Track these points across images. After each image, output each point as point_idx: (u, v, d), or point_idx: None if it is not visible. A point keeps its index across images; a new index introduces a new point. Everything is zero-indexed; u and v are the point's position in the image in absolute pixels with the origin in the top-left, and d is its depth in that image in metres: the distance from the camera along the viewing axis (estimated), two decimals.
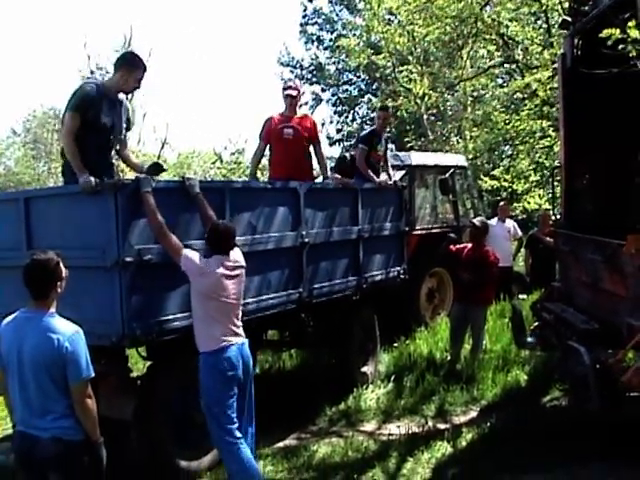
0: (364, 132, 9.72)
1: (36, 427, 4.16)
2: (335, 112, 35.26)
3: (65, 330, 4.14)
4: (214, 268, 5.45)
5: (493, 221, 12.53)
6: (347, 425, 7.59)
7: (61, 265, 4.22)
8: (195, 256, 5.49)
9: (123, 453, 6.07)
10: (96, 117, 6.11)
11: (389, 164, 9.71)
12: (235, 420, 5.49)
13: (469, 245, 9.36)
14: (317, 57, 35.28)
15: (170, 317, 5.72)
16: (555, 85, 13.88)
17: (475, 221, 9.57)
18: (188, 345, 5.63)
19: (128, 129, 6.71)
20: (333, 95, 35.29)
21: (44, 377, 4.12)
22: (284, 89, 8.33)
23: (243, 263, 5.77)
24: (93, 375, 4.23)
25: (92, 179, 5.48)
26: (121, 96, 6.44)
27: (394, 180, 9.66)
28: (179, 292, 5.77)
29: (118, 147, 6.59)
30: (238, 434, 5.48)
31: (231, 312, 5.58)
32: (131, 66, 6.24)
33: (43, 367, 4.09)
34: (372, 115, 33.47)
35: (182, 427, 6.02)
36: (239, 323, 5.67)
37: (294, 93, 8.26)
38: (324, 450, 6.86)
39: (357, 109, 35.29)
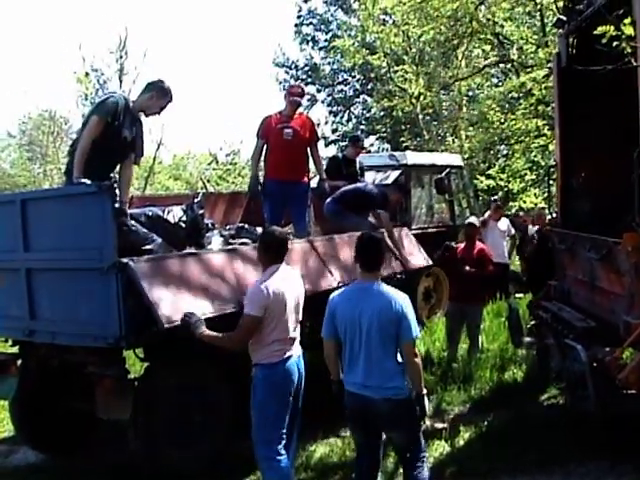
0: (378, 193, 8.74)
1: (368, 387, 4.76)
2: (330, 112, 35.23)
3: (398, 295, 4.82)
4: (275, 287, 5.20)
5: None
6: (345, 425, 7.54)
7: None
8: (257, 307, 5.14)
9: (121, 454, 6.10)
10: (119, 129, 6.31)
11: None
12: (284, 437, 5.28)
13: (461, 245, 9.40)
14: (312, 57, 35.31)
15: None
16: (550, 84, 13.91)
17: (471, 220, 9.61)
18: (185, 346, 5.62)
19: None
20: (328, 95, 35.26)
21: (383, 339, 4.72)
22: (291, 93, 8.24)
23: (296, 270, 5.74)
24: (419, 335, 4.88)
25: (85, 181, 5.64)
26: (142, 115, 6.67)
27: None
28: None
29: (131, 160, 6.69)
30: (283, 452, 5.24)
31: (289, 322, 5.34)
32: (161, 93, 6.54)
33: (383, 329, 4.70)
34: (367, 115, 33.55)
35: (180, 428, 6.01)
36: (297, 334, 5.48)
37: (302, 100, 8.32)
38: (322, 450, 6.86)
39: (352, 109, 35.26)
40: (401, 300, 4.78)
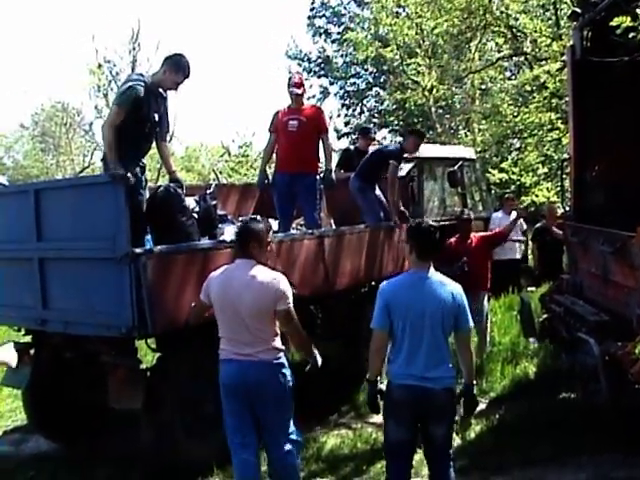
0: (393, 148, 9.28)
1: (429, 379, 4.58)
2: (343, 105, 35.14)
3: (454, 285, 4.78)
4: (219, 281, 5.06)
5: (499, 214, 12.50)
6: (356, 417, 7.60)
7: None
8: (203, 292, 5.16)
9: (133, 444, 6.12)
10: (147, 114, 6.41)
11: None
12: (234, 427, 5.12)
13: (452, 240, 9.24)
14: (325, 50, 35.18)
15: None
16: (564, 77, 13.84)
17: (466, 214, 9.51)
18: (197, 337, 5.63)
19: None
20: (341, 88, 35.16)
21: (444, 329, 4.66)
22: (288, 85, 8.17)
23: (274, 275, 5.05)
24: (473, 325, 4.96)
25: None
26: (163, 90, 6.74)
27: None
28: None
29: (161, 139, 6.85)
30: (236, 440, 5.10)
31: (235, 323, 4.98)
32: (173, 67, 6.50)
33: (446, 319, 4.64)
34: (380, 108, 33.47)
35: (191, 418, 6.03)
36: (255, 338, 4.96)
37: (299, 91, 8.13)
38: (333, 442, 6.87)
39: (365, 102, 35.18)
40: (459, 290, 4.77)
